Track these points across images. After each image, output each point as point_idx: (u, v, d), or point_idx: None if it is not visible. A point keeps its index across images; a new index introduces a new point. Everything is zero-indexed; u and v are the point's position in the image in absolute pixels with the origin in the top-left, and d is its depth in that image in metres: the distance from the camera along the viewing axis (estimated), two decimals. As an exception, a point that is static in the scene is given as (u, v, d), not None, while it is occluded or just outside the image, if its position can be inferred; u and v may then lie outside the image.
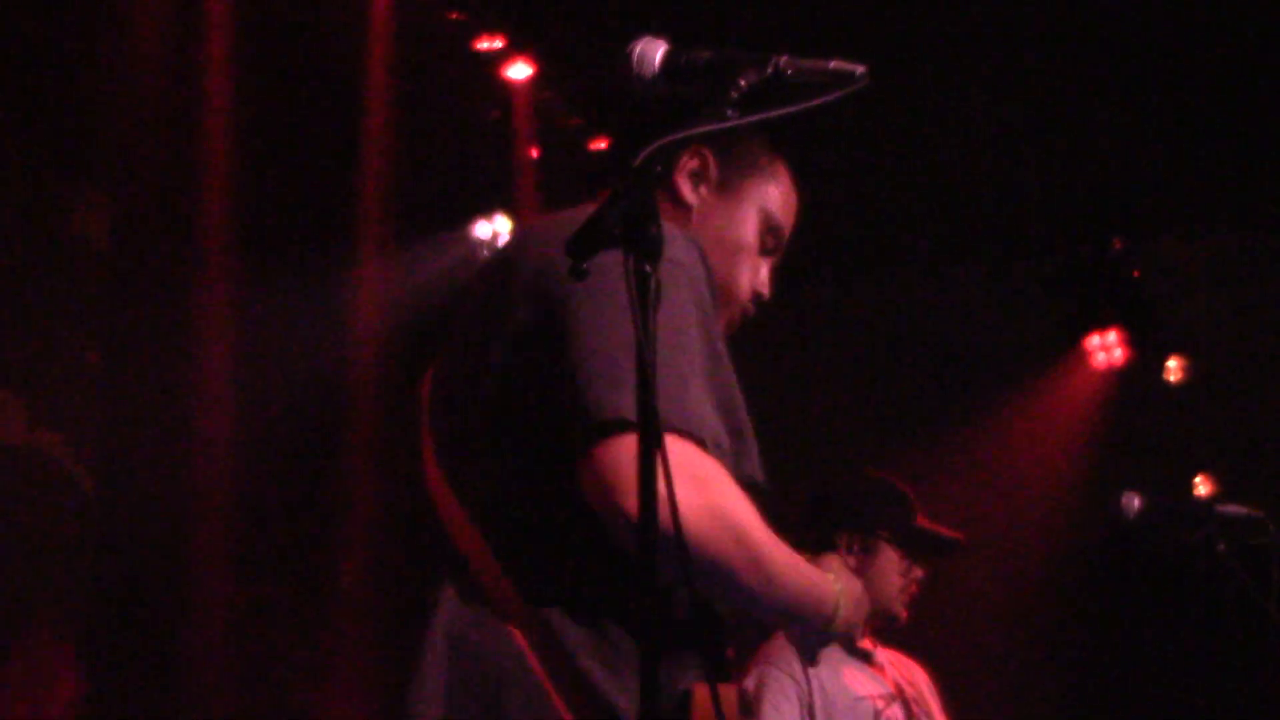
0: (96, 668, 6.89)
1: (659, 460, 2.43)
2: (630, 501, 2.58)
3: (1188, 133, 7.49)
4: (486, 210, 7.51)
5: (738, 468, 2.93)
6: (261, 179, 7.03)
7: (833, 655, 4.55)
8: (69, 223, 7.23)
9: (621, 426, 2.77)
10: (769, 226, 3.28)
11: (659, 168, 2.63)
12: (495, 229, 7.43)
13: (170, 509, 6.97)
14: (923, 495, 6.12)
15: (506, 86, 7.41)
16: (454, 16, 7.10)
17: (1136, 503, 4.33)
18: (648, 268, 2.51)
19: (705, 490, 2.78)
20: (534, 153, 7.50)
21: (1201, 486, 7.73)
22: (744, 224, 3.27)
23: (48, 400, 6.98)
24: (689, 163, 3.22)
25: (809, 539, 5.26)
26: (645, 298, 2.50)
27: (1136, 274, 7.94)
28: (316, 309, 7.24)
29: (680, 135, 2.81)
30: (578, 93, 7.40)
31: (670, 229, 2.87)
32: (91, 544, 7.02)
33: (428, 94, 7.35)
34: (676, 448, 2.69)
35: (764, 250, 3.30)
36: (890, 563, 5.20)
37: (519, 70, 7.48)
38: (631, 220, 2.52)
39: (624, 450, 2.74)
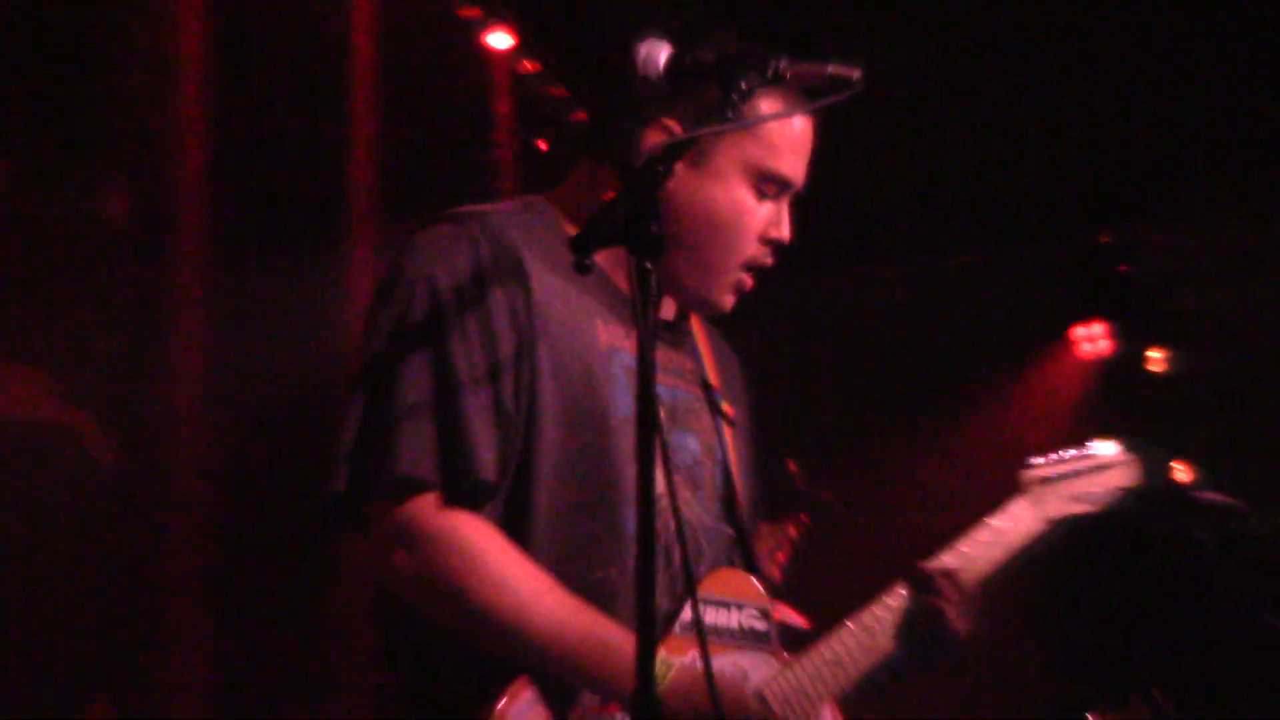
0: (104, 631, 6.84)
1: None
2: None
3: (1176, 125, 7.45)
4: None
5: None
6: (270, 169, 7.01)
7: None
8: (96, 206, 7.18)
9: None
10: (761, 177, 3.11)
11: (661, 167, 2.59)
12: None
13: (184, 479, 6.90)
14: (911, 479, 6.04)
15: (513, 79, 7.44)
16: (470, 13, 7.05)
17: None
18: (648, 265, 2.44)
19: (419, 549, 2.81)
20: (543, 145, 7.48)
21: (1181, 474, 7.68)
22: (725, 193, 3.10)
23: (77, 380, 6.93)
24: (656, 138, 3.02)
25: None
26: (646, 292, 2.44)
27: (1123, 268, 7.91)
28: (328, 290, 7.19)
29: (684, 137, 2.87)
30: (580, 89, 7.38)
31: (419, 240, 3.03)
32: (110, 509, 6.92)
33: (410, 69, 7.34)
34: (391, 516, 2.83)
35: (765, 197, 3.14)
36: None
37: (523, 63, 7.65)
38: (633, 219, 2.46)
39: None
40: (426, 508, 2.81)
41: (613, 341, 3.05)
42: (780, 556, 5.17)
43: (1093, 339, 8.20)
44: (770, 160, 3.11)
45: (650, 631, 2.29)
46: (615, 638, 2.72)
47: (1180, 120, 7.40)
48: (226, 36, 6.53)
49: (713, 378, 3.31)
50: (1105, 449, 3.49)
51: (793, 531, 5.20)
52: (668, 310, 3.23)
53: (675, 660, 2.83)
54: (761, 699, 3.00)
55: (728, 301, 3.19)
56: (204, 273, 6.79)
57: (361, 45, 7.01)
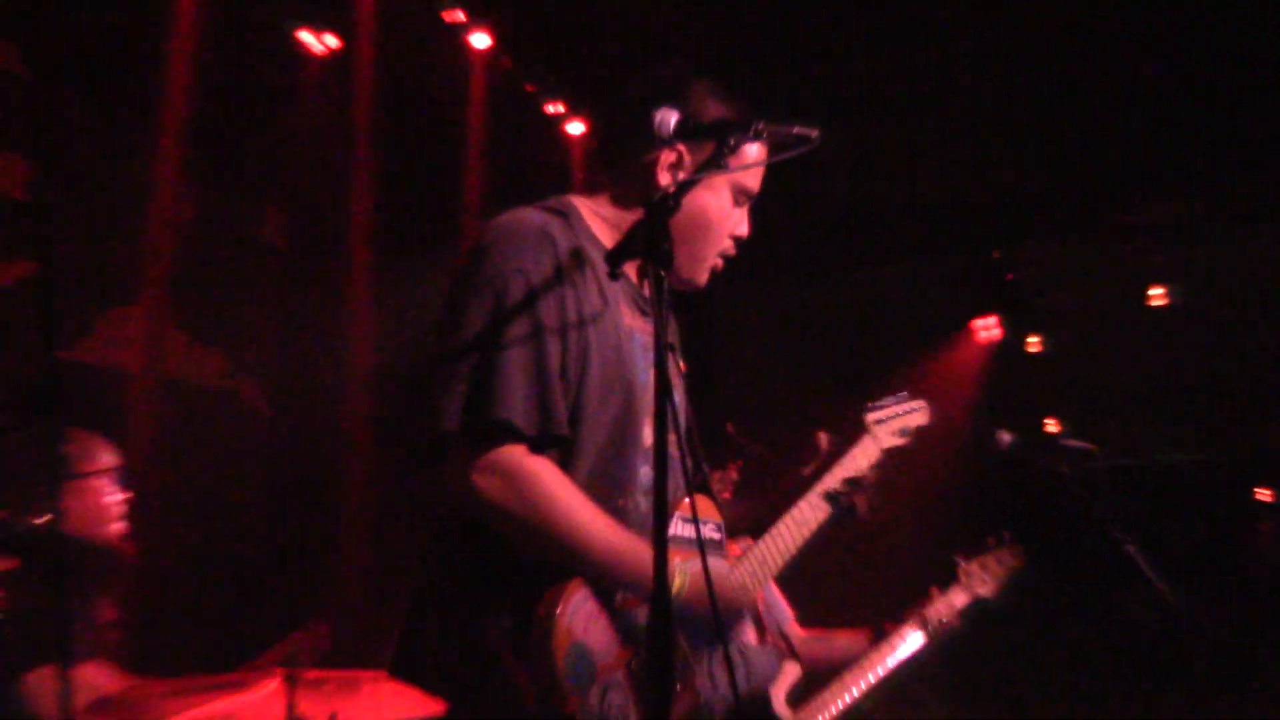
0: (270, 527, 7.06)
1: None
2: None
3: (1046, 174, 7.47)
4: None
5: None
6: (389, 202, 6.99)
7: None
8: (260, 231, 7.32)
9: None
10: (740, 191, 3.16)
11: (672, 202, 2.63)
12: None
13: (321, 429, 7.05)
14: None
15: (566, 139, 7.36)
16: (529, 89, 7.03)
17: (1006, 437, 4.35)
18: (662, 272, 2.49)
19: (503, 473, 2.76)
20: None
21: (1050, 426, 7.71)
22: (715, 202, 3.12)
23: (243, 356, 7.09)
24: (668, 157, 3.04)
25: None
26: (660, 293, 2.49)
27: (1010, 277, 7.94)
28: (429, 293, 7.21)
29: (688, 179, 2.87)
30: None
31: (492, 235, 2.93)
32: (268, 451, 7.15)
33: (507, 142, 7.22)
34: (491, 457, 2.76)
35: (738, 204, 3.18)
36: None
37: (575, 126, 7.48)
38: (651, 239, 2.53)
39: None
40: (519, 451, 2.78)
41: (631, 323, 3.03)
42: (725, 495, 5.18)
43: (988, 328, 8.09)
44: (748, 181, 3.16)
45: (664, 548, 2.33)
46: (644, 553, 2.63)
47: (1045, 170, 7.44)
48: (369, 108, 6.54)
49: (672, 337, 3.27)
50: (906, 397, 3.63)
51: (734, 475, 5.23)
52: (645, 289, 3.11)
53: (687, 569, 2.85)
54: (736, 587, 3.06)
55: (705, 280, 3.20)
56: (340, 279, 6.89)
57: (474, 123, 6.96)
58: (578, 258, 2.94)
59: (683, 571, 2.84)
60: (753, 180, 3.19)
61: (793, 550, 3.23)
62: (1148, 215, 7.68)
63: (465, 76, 6.91)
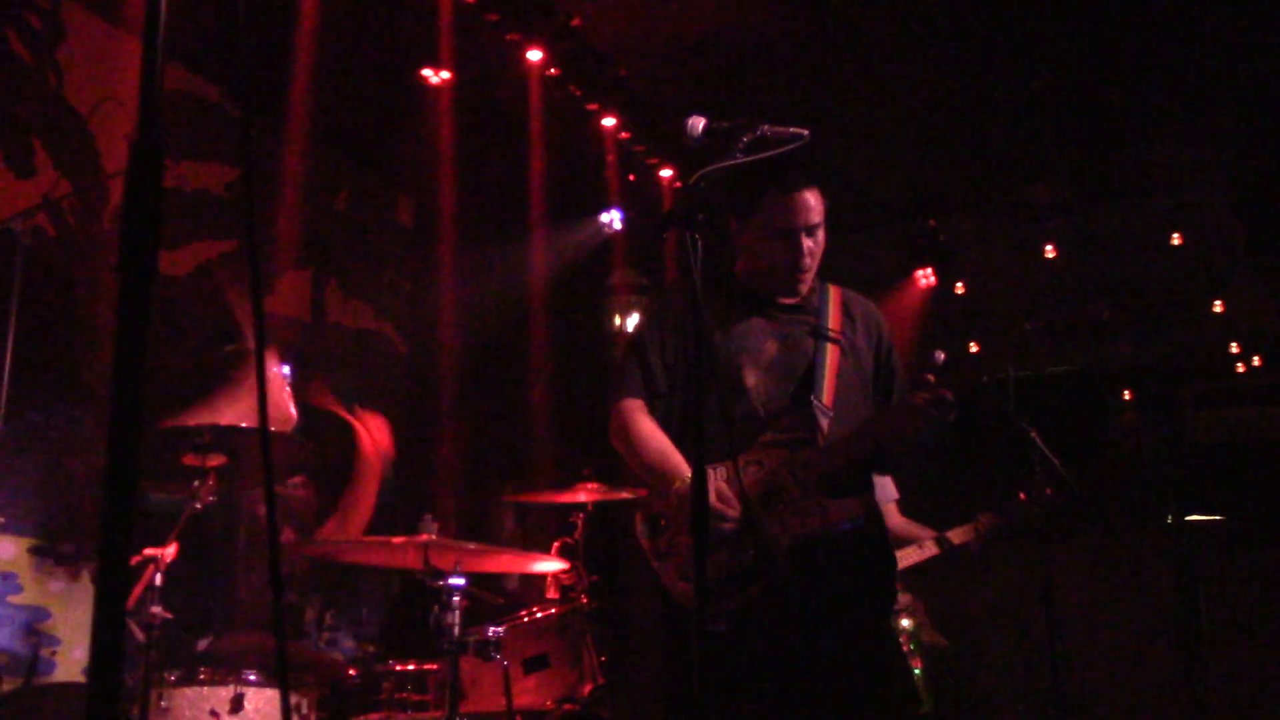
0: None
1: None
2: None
3: (969, 166, 7.34)
4: (608, 209, 7.17)
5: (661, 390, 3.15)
6: (489, 196, 6.84)
7: None
8: (394, 214, 7.24)
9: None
10: (777, 233, 3.16)
11: (702, 184, 2.58)
12: (611, 217, 7.23)
13: (441, 360, 6.99)
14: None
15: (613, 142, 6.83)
16: (592, 106, 6.65)
17: (940, 355, 4.24)
18: (695, 235, 2.46)
19: (619, 418, 3.13)
20: (631, 177, 7.22)
21: (972, 347, 7.60)
22: (762, 247, 3.19)
23: (385, 306, 7.03)
24: (732, 228, 3.24)
25: None
26: (694, 253, 2.45)
27: (942, 238, 7.86)
28: (521, 258, 7.14)
29: (712, 168, 2.73)
30: (660, 147, 6.97)
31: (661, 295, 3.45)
32: (404, 377, 7.07)
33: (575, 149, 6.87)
34: (619, 407, 3.15)
35: (783, 236, 3.17)
36: None
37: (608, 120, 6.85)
38: (685, 213, 2.52)
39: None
40: (631, 402, 3.15)
41: (743, 325, 3.19)
42: None
43: (927, 277, 8.12)
44: (779, 220, 3.21)
45: (700, 461, 2.39)
46: (675, 460, 3.00)
47: (968, 163, 7.25)
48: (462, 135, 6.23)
49: (832, 323, 3.26)
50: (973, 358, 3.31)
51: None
52: (791, 298, 3.24)
53: (687, 479, 2.92)
54: (802, 462, 3.02)
55: (802, 290, 3.30)
56: (452, 252, 6.75)
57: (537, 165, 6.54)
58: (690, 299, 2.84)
59: (683, 479, 2.94)
60: (786, 213, 3.16)
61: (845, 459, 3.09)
62: (1039, 195, 7.55)
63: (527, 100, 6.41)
